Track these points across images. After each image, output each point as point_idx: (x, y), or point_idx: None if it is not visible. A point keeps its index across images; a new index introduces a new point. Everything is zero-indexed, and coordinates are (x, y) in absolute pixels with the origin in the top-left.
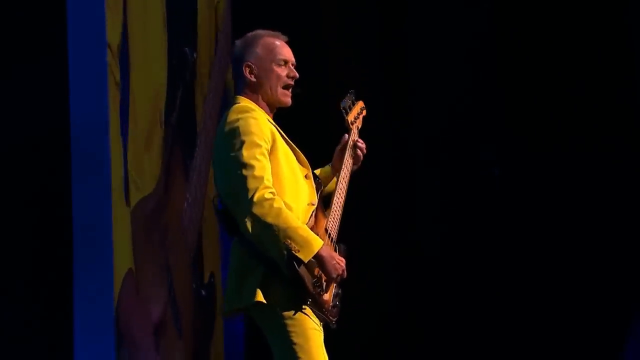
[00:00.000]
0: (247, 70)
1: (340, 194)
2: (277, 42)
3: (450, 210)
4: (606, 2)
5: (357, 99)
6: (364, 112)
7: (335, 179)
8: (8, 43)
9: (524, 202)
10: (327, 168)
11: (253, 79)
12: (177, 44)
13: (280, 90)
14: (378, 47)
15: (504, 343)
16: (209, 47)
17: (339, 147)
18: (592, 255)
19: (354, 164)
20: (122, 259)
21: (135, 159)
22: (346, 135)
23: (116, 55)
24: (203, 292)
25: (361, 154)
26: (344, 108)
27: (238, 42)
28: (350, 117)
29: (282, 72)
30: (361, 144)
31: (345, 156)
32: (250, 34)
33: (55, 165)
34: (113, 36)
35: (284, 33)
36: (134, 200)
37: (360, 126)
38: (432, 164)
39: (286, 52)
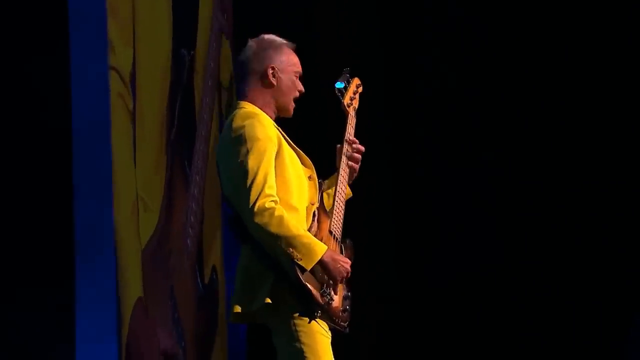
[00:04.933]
0: (271, 72)
1: (340, 193)
2: (295, 56)
3: (452, 210)
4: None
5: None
6: (360, 89)
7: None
8: (9, 53)
9: (526, 203)
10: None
11: (274, 82)
12: (179, 51)
13: (292, 101)
14: (379, 46)
15: (505, 344)
16: (205, 41)
17: (339, 146)
18: (593, 256)
19: (353, 164)
20: (133, 289)
21: (145, 181)
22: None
23: (128, 84)
24: (204, 292)
25: (358, 155)
26: (339, 90)
27: (254, 44)
28: (346, 100)
29: (298, 85)
30: (357, 145)
31: (343, 151)
32: (267, 37)
33: (56, 174)
34: (125, 64)
35: (282, 33)
36: (142, 221)
37: (357, 106)
38: (433, 163)
39: (300, 67)
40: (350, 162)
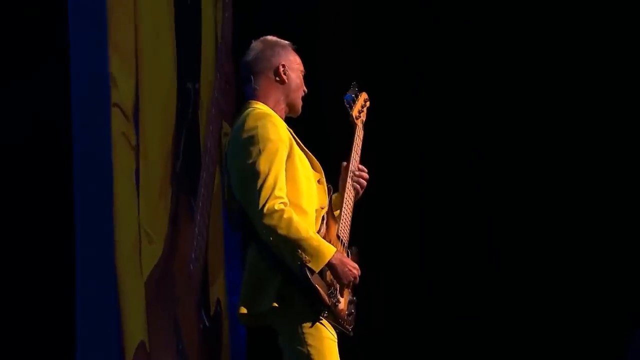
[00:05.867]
0: (282, 69)
1: (349, 198)
2: (299, 57)
3: (451, 214)
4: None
5: (360, 90)
6: (368, 103)
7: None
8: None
9: (526, 205)
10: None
11: (285, 79)
12: (184, 85)
13: (299, 98)
14: (378, 50)
15: (506, 346)
16: (210, 68)
17: (344, 163)
18: (593, 257)
19: (358, 188)
20: (135, 331)
21: (150, 213)
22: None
23: (131, 117)
24: (210, 324)
25: (364, 182)
26: (347, 102)
27: (261, 44)
28: (355, 112)
29: (303, 84)
30: (362, 173)
31: (352, 154)
32: (272, 38)
33: (58, 215)
34: (127, 98)
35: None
36: (146, 253)
37: (365, 119)
38: (432, 165)
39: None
40: (356, 185)
